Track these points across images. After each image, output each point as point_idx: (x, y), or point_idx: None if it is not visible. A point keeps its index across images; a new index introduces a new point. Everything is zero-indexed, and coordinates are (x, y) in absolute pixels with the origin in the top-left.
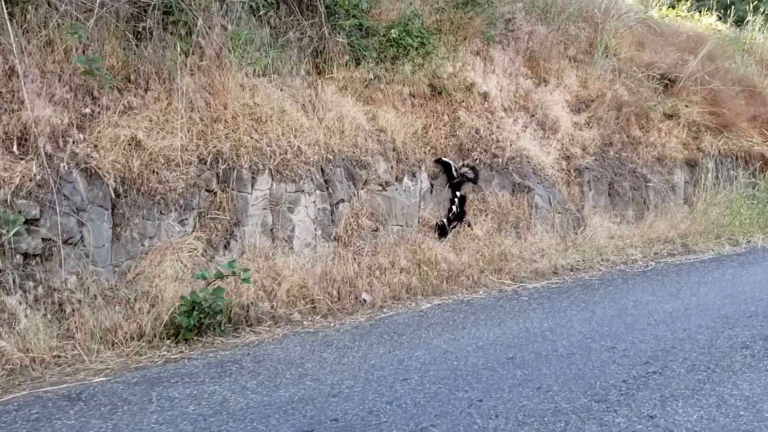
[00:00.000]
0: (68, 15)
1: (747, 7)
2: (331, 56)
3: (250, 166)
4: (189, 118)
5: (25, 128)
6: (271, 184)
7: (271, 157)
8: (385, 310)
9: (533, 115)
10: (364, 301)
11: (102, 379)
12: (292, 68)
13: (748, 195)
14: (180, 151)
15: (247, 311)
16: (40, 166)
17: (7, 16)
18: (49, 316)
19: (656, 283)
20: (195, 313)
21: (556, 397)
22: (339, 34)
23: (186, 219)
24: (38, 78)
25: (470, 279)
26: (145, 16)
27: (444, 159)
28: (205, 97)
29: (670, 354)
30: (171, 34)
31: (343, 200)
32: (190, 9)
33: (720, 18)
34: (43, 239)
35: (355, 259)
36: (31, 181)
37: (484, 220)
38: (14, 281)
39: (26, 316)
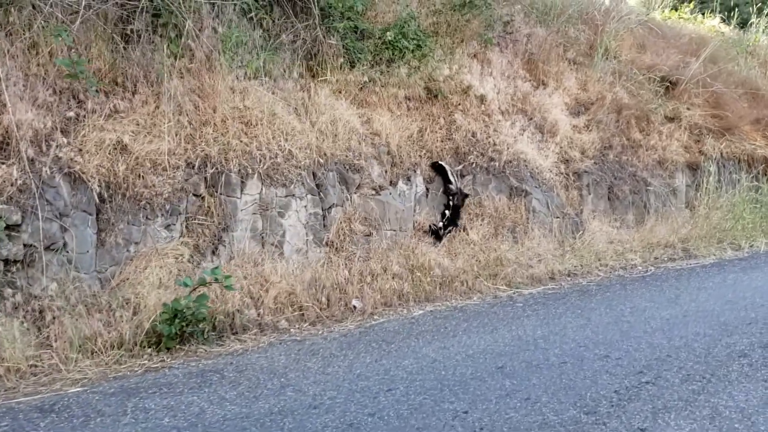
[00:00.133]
0: (53, 17)
1: (751, 9)
2: (325, 59)
3: (239, 170)
4: (177, 122)
5: (6, 132)
6: (261, 189)
7: (260, 161)
8: (375, 317)
9: (531, 119)
10: (354, 307)
11: (78, 389)
12: (284, 71)
13: (750, 199)
14: (167, 155)
15: (233, 319)
16: (21, 170)
17: None
18: (27, 324)
19: (655, 288)
20: (177, 321)
21: (544, 409)
22: (333, 36)
23: (173, 224)
24: (21, 81)
25: (464, 285)
26: (133, 18)
27: (440, 163)
28: (194, 100)
29: (665, 363)
30: (161, 36)
31: (335, 205)
32: (180, 11)
33: (724, 20)
34: (24, 245)
35: (346, 264)
36: (12, 186)
37: (481, 225)
38: None
39: (2, 324)
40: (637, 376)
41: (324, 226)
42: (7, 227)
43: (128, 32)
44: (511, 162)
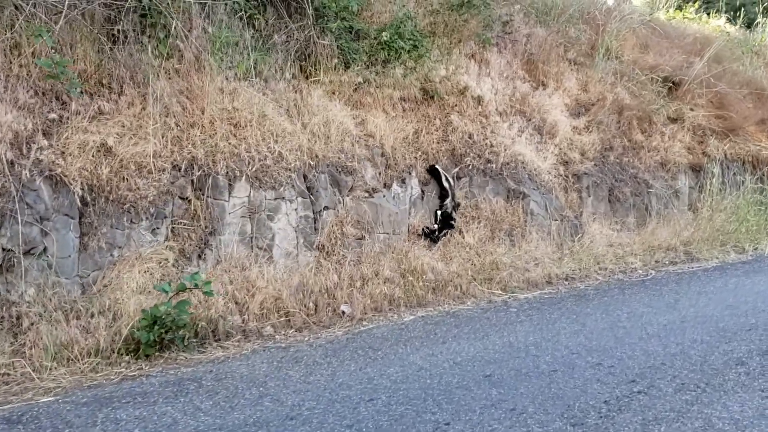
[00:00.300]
0: (35, 17)
1: (757, 8)
2: (319, 59)
3: (227, 173)
4: (164, 123)
5: None
6: (250, 192)
7: (249, 163)
8: (364, 322)
9: (530, 120)
10: (343, 313)
11: (50, 398)
12: (276, 72)
13: (755, 201)
14: (153, 157)
15: (216, 325)
16: (0, 173)
17: None
18: (3, 331)
19: (654, 293)
20: (156, 327)
21: (530, 420)
22: (327, 36)
23: (158, 228)
24: (2, 82)
25: (458, 289)
26: (120, 18)
27: (436, 166)
28: (182, 101)
29: (658, 371)
30: (149, 37)
31: (327, 208)
32: (169, 12)
33: (729, 20)
34: (3, 249)
35: (336, 269)
36: None
37: (477, 228)
38: None
39: None
40: (629, 385)
41: (315, 229)
42: None
43: (115, 33)
44: (508, 164)
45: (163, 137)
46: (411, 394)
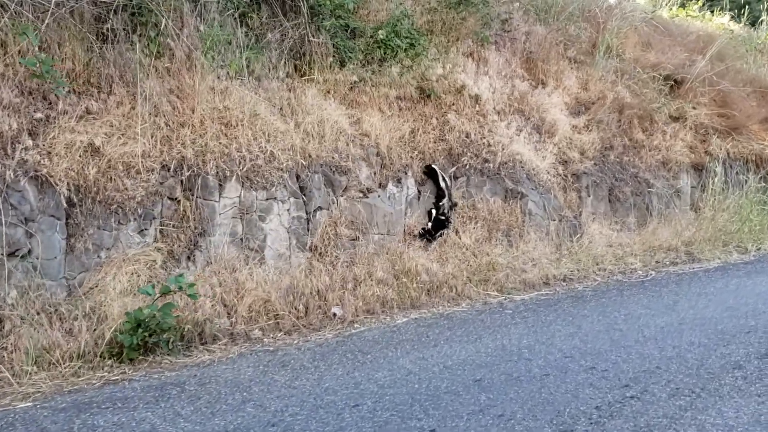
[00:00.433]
0: (21, 16)
1: (762, 6)
2: (314, 58)
3: (217, 173)
4: (153, 123)
5: None
6: (241, 192)
7: (240, 163)
8: (356, 325)
9: (529, 119)
10: (334, 315)
11: (28, 404)
12: (269, 71)
13: (758, 200)
14: (141, 157)
15: (202, 328)
16: None
17: None
18: None
19: (653, 294)
20: (140, 331)
21: (518, 427)
22: (322, 34)
23: (146, 229)
24: None
25: (453, 291)
26: (110, 17)
27: (432, 166)
28: (172, 100)
29: (653, 375)
30: (140, 36)
31: (320, 208)
32: (160, 10)
33: (733, 18)
34: None
35: (328, 270)
36: None
37: (474, 228)
38: None
39: None
40: (622, 390)
41: (308, 230)
42: None
43: (104, 31)
44: (506, 163)
45: (152, 137)
46: (398, 399)
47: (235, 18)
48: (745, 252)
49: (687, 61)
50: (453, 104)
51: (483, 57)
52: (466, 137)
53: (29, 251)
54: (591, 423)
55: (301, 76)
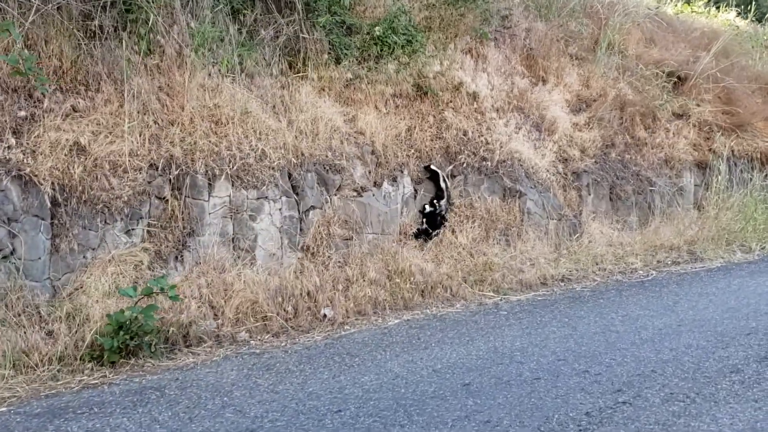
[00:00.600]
0: (4, 12)
1: None
2: (309, 55)
3: (206, 172)
4: (141, 121)
5: None
6: (231, 191)
7: (230, 161)
8: (346, 327)
9: (528, 116)
10: (324, 316)
11: (2, 409)
12: (263, 68)
13: (763, 199)
14: (128, 156)
15: (187, 330)
16: None
17: None
18: None
19: (653, 294)
20: (121, 333)
21: None
22: (317, 31)
23: (133, 229)
24: None
25: (448, 291)
26: (98, 13)
27: (433, 167)
28: (161, 98)
29: (647, 380)
30: (129, 33)
31: (313, 207)
32: (150, 6)
33: (740, 14)
34: None
35: (319, 271)
36: None
37: (471, 228)
38: None
39: None
40: (614, 395)
41: (300, 230)
42: None
43: (92, 28)
44: (504, 161)
45: (140, 135)
46: (382, 404)
47: (227, 14)
48: (749, 251)
49: (691, 57)
50: (450, 102)
51: (482, 54)
52: (464, 135)
53: (12, 252)
54: (580, 430)
55: (296, 73)
